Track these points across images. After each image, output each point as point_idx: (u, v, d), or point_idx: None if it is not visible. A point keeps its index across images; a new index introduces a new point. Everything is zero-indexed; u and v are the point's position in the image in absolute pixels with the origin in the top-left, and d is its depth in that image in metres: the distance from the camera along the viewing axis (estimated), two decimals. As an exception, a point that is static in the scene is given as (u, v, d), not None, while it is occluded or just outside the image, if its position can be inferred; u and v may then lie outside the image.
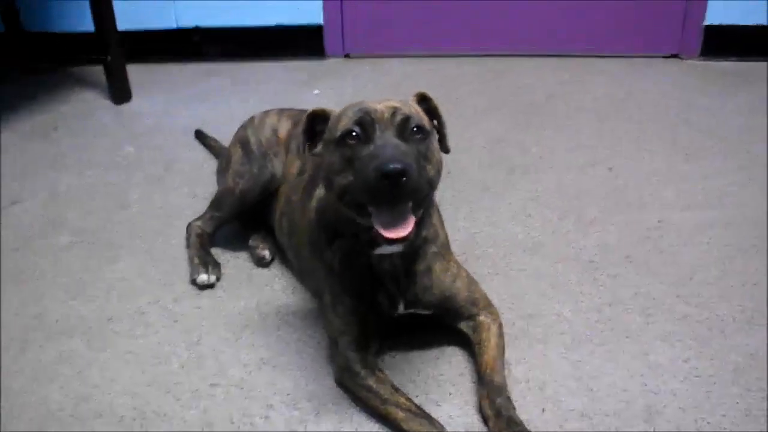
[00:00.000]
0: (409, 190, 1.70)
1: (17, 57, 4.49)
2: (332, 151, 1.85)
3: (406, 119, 1.81)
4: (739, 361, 2.08)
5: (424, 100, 1.98)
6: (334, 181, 1.84)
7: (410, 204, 1.77)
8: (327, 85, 4.26)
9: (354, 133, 1.79)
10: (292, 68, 4.54)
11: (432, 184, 1.87)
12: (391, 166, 1.66)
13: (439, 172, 1.89)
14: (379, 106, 1.82)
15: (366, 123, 1.79)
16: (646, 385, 2.02)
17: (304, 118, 1.97)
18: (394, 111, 1.81)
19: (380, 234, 1.74)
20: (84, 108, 4.04)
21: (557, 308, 2.32)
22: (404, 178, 1.67)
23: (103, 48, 3.99)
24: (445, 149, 2.00)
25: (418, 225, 1.85)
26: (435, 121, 1.99)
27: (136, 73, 4.22)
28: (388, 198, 1.71)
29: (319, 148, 1.95)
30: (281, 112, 2.72)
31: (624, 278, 2.44)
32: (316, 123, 1.97)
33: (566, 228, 2.74)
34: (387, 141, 1.75)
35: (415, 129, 1.82)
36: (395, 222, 1.75)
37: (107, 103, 4.09)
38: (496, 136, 3.50)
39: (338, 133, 1.82)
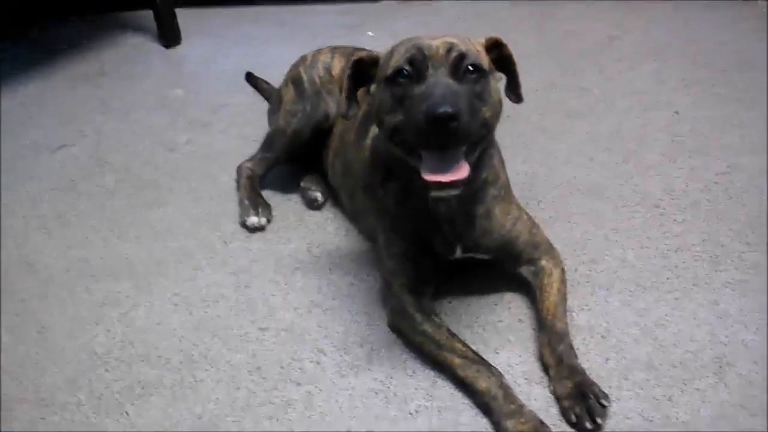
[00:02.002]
0: (459, 134, 1.61)
1: (67, 1, 4.44)
2: (383, 90, 1.76)
3: (461, 57, 1.70)
4: (814, 310, 1.97)
5: (497, 46, 1.86)
6: (384, 120, 1.76)
7: (463, 148, 1.67)
8: (379, 27, 4.15)
9: (405, 71, 1.70)
10: (342, 11, 4.44)
11: (488, 127, 1.76)
12: (441, 109, 1.56)
13: (497, 114, 1.78)
14: (435, 42, 1.72)
15: (417, 61, 1.69)
16: (714, 335, 1.92)
17: (348, 64, 1.88)
18: (450, 47, 1.70)
19: (428, 178, 1.66)
20: (133, 52, 4.01)
21: (621, 253, 2.22)
22: (454, 123, 1.58)
23: (152, -9, 3.93)
24: (519, 98, 1.90)
25: (475, 168, 1.77)
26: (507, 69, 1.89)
27: (184, 17, 4.15)
28: (437, 142, 1.63)
29: (372, 88, 1.87)
30: (334, 49, 2.64)
31: (691, 224, 2.33)
32: (363, 68, 1.87)
33: (629, 172, 2.62)
34: (438, 81, 1.65)
35: (470, 68, 1.71)
36: (444, 166, 1.65)
37: (156, 46, 4.05)
38: (550, 80, 3.37)
39: (389, 71, 1.73)
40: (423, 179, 1.66)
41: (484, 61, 1.78)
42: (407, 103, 1.68)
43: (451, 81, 1.67)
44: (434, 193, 1.77)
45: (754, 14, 3.99)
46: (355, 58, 1.87)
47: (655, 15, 4.09)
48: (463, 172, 1.65)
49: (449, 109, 1.56)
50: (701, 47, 3.62)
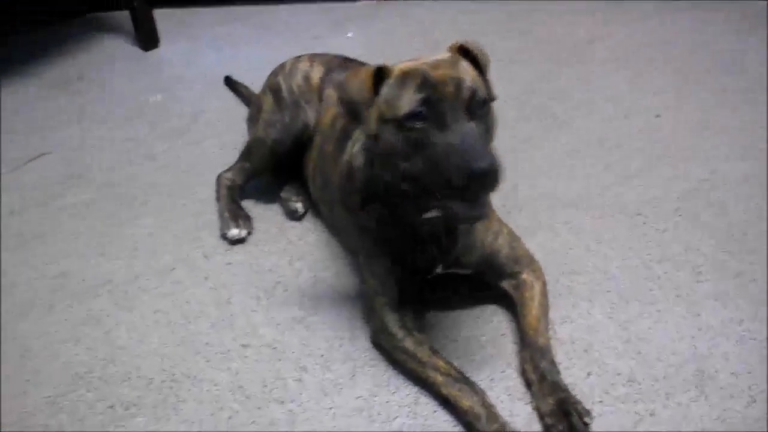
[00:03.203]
0: (495, 185, 1.58)
1: (42, 4, 4.39)
2: (393, 132, 1.67)
3: (473, 94, 1.65)
4: (796, 323, 1.98)
5: (464, 52, 1.80)
6: (397, 166, 1.69)
7: None
8: (359, 27, 4.13)
9: (421, 114, 1.63)
10: (322, 11, 4.41)
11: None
12: (482, 166, 1.53)
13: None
14: (440, 78, 1.64)
15: (434, 102, 1.62)
16: (696, 347, 1.92)
17: (366, 74, 1.73)
18: (458, 84, 1.64)
19: (457, 216, 1.65)
20: (110, 56, 3.97)
21: (603, 265, 2.22)
22: (496, 178, 1.56)
23: (129, -8, 3.89)
24: (491, 97, 1.86)
25: None
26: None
27: (162, 18, 4.11)
28: (476, 195, 1.60)
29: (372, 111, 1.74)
30: (313, 57, 2.61)
31: (673, 233, 2.33)
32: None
33: (610, 180, 2.61)
34: (465, 130, 1.60)
35: (481, 103, 1.68)
36: (477, 211, 1.63)
37: (134, 49, 4.01)
38: (530, 86, 3.36)
39: (401, 113, 1.64)
40: (452, 217, 1.68)
41: (484, 88, 1.73)
42: (429, 152, 1.62)
43: (473, 125, 1.62)
44: (427, 215, 1.79)
45: (736, 16, 3.98)
46: (376, 68, 1.72)
47: (634, 17, 4.07)
48: (490, 206, 1.68)
49: (489, 165, 1.54)
50: (682, 50, 3.62)
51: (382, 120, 1.69)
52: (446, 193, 1.61)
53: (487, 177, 1.55)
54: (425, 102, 1.62)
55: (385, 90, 1.70)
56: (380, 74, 1.72)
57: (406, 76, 1.68)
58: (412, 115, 1.63)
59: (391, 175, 1.74)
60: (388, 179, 1.78)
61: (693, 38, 3.74)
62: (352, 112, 1.75)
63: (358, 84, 1.72)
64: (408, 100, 1.64)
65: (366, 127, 1.74)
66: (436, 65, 1.69)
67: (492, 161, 1.55)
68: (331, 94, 2.33)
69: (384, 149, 1.71)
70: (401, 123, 1.64)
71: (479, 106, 1.67)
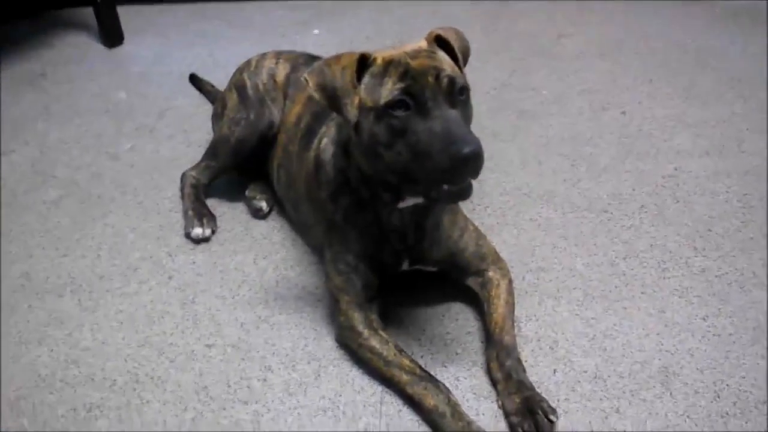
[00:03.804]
0: (480, 168, 1.61)
1: (1, 1, 4.31)
2: (374, 121, 1.68)
3: (452, 82, 1.67)
4: (760, 318, 1.99)
5: (440, 42, 1.80)
6: (379, 154, 1.70)
7: None
8: (326, 25, 4.09)
9: (403, 103, 1.64)
10: (291, 7, 4.37)
11: None
12: (467, 150, 1.56)
13: None
14: (420, 67, 1.66)
15: (416, 91, 1.64)
16: (662, 344, 1.93)
17: (349, 61, 1.71)
18: (437, 73, 1.66)
19: (442, 196, 1.66)
20: (74, 53, 3.89)
21: (569, 261, 2.23)
22: (480, 161, 1.59)
23: (93, -12, 3.83)
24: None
25: None
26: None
27: (126, 14, 4.03)
28: (461, 179, 1.62)
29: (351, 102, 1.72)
30: (279, 54, 2.58)
31: (639, 229, 2.34)
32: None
33: (578, 176, 2.62)
34: (448, 116, 1.62)
35: (460, 91, 1.69)
36: (463, 193, 1.66)
37: (98, 46, 3.94)
38: (501, 81, 3.36)
39: (382, 102, 1.66)
40: (438, 197, 1.67)
41: (461, 76, 1.75)
42: (414, 140, 1.63)
43: (455, 113, 1.65)
44: (403, 204, 1.81)
45: (707, 13, 4.00)
46: (359, 55, 1.72)
47: (606, 13, 4.09)
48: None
49: (478, 149, 1.57)
50: (653, 46, 3.64)
51: (363, 108, 1.70)
52: (432, 179, 1.63)
53: (475, 161, 1.58)
54: (406, 91, 1.64)
55: (367, 78, 1.71)
56: (363, 61, 1.72)
57: (388, 64, 1.69)
58: (394, 104, 1.64)
59: (372, 163, 1.74)
60: (366, 168, 1.78)
61: (663, 35, 3.76)
62: (332, 99, 1.72)
63: (340, 71, 1.71)
64: (389, 90, 1.66)
65: (347, 115, 1.72)
66: (414, 55, 1.71)
67: (478, 145, 1.57)
68: (298, 80, 2.31)
69: (365, 138, 1.71)
70: (382, 112, 1.66)
71: (459, 94, 1.69)
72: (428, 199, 1.73)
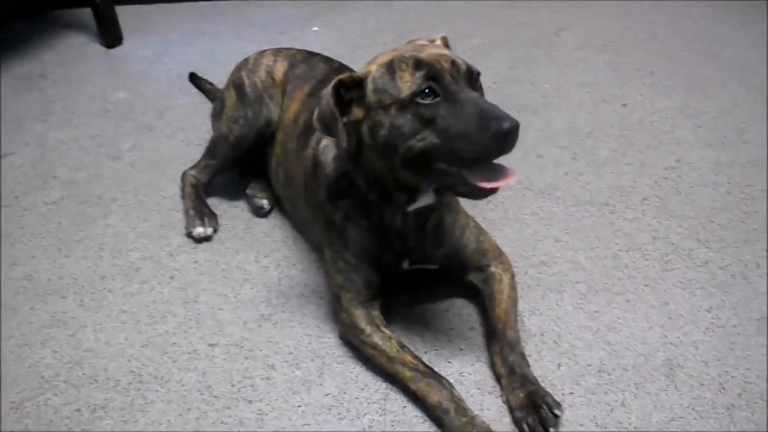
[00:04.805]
0: (515, 142, 1.60)
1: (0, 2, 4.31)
2: (396, 114, 1.65)
3: (469, 68, 1.68)
4: (763, 309, 1.99)
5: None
6: (404, 145, 1.66)
7: None
8: (326, 22, 4.08)
9: (428, 91, 1.63)
10: (291, 5, 4.35)
11: None
12: (508, 125, 1.55)
13: None
14: (428, 57, 1.66)
15: (439, 78, 1.63)
16: (666, 336, 1.93)
17: (328, 90, 1.71)
18: (452, 60, 1.66)
19: (480, 187, 1.64)
20: (73, 53, 3.88)
21: (572, 255, 2.22)
22: (518, 132, 1.58)
23: (91, -11, 3.82)
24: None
25: None
26: None
27: (125, 14, 4.03)
28: (499, 154, 1.61)
29: (356, 113, 1.73)
30: (277, 52, 2.57)
31: (641, 222, 2.33)
32: (343, 90, 1.74)
33: (580, 169, 2.62)
34: (474, 97, 1.62)
35: (476, 75, 1.70)
36: (500, 174, 1.65)
37: (97, 47, 3.92)
38: (502, 74, 3.35)
39: (406, 93, 1.63)
40: (474, 189, 1.65)
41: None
42: (443, 124, 1.61)
43: (478, 94, 1.66)
44: (413, 207, 1.81)
45: (708, 4, 3.99)
46: (336, 82, 1.72)
47: (605, 5, 4.07)
48: (513, 172, 1.66)
49: (515, 122, 1.56)
50: (654, 37, 3.63)
51: (380, 107, 1.67)
52: (468, 161, 1.62)
53: (516, 134, 1.57)
54: (431, 78, 1.63)
55: (371, 85, 1.70)
56: (342, 85, 1.71)
57: (390, 63, 1.69)
58: (421, 92, 1.63)
59: (389, 162, 1.71)
60: (380, 168, 1.75)
61: (663, 26, 3.75)
62: (326, 128, 1.74)
63: (326, 101, 1.71)
64: (408, 81, 1.64)
65: (337, 139, 1.73)
66: (418, 49, 1.71)
67: (514, 119, 1.57)
68: (296, 76, 2.36)
69: (384, 134, 1.68)
70: (408, 102, 1.63)
71: (475, 79, 1.70)
72: (452, 190, 1.73)
